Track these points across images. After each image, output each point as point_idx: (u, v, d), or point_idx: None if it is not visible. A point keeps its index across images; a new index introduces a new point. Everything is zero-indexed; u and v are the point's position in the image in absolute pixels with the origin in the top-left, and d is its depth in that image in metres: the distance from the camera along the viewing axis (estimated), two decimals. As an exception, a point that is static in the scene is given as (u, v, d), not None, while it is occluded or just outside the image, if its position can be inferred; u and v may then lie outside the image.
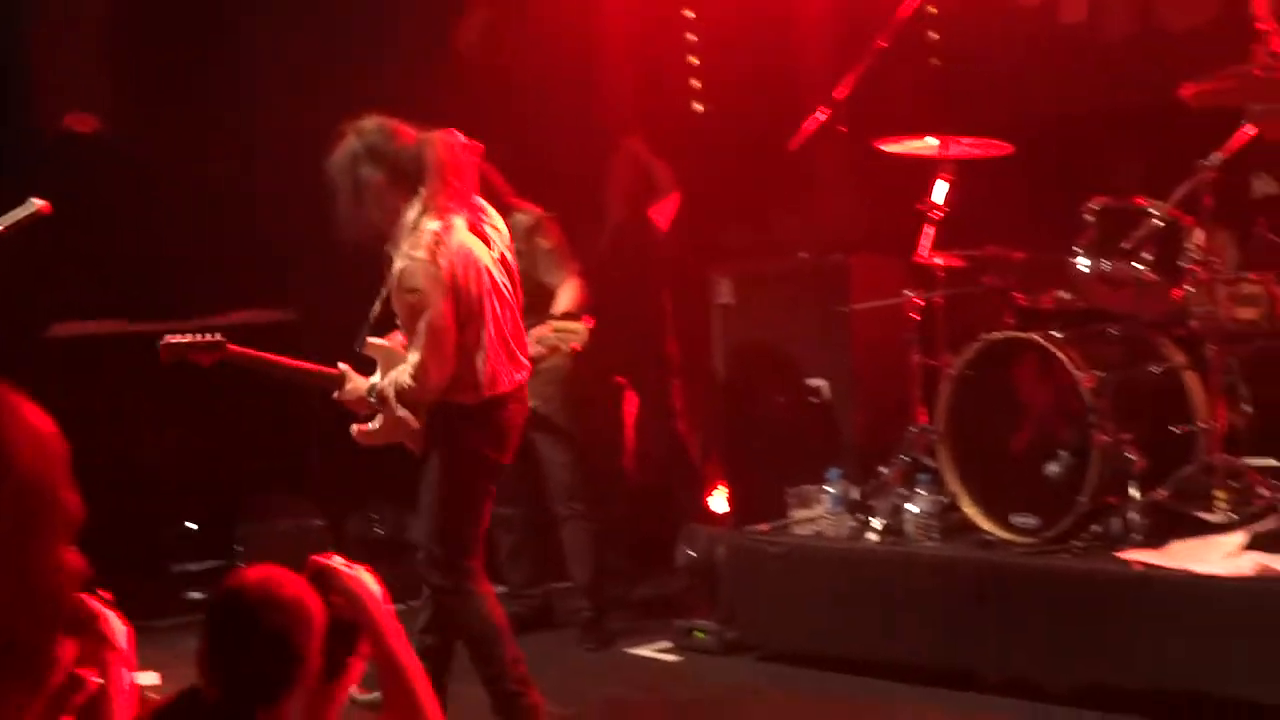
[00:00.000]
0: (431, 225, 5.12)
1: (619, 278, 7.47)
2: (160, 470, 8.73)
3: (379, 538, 8.20)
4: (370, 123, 5.28)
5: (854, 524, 6.40)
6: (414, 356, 5.15)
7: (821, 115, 6.56)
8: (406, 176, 5.19)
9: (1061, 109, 7.16)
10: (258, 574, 2.95)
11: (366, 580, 3.13)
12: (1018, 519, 5.92)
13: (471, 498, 5.32)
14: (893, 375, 6.72)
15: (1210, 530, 5.58)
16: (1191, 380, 5.99)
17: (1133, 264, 5.91)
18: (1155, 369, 6.05)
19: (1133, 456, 5.73)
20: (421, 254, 5.08)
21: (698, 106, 8.33)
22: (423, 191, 5.16)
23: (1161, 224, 5.78)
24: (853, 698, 5.93)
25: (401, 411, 5.22)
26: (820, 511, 6.54)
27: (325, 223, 8.42)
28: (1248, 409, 5.94)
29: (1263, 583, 5.09)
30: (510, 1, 8.34)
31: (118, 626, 2.92)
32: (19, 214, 5.42)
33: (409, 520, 8.23)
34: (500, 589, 7.76)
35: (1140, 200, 5.91)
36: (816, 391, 7.15)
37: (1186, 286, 5.88)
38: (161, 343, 5.55)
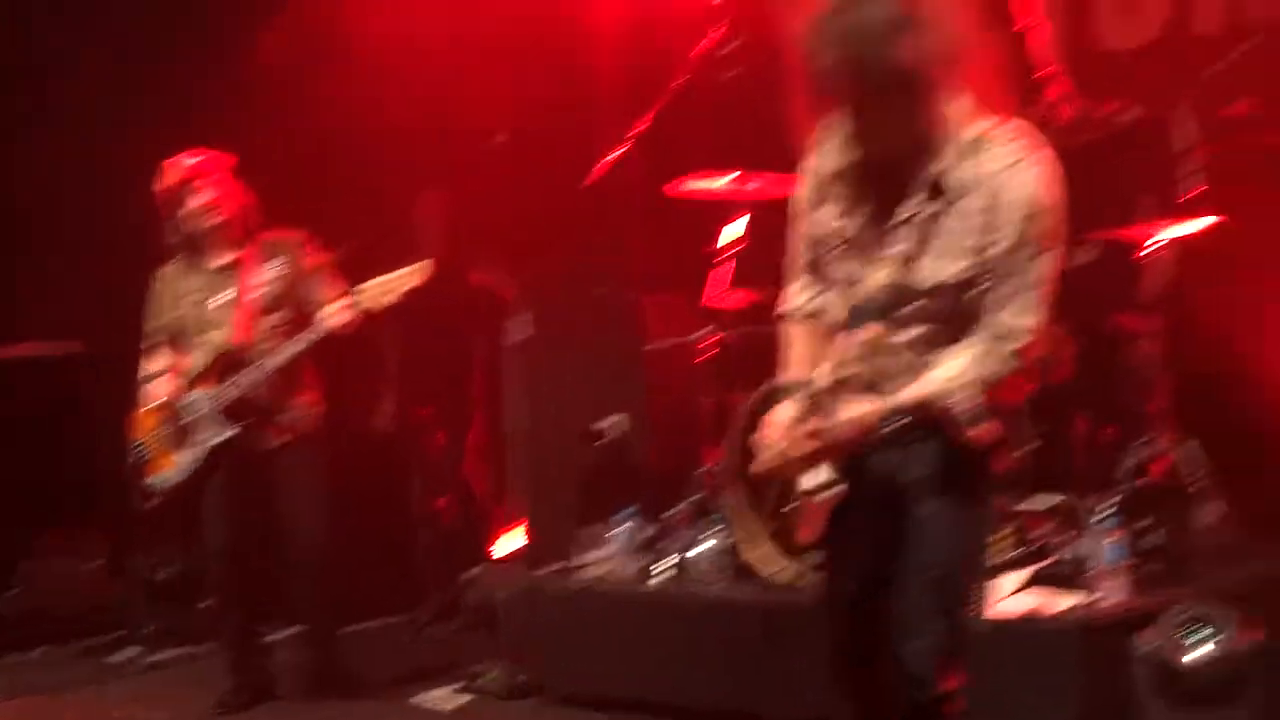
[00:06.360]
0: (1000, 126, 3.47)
1: (434, 317, 7.37)
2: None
3: (161, 581, 7.93)
4: None
5: (642, 566, 6.32)
6: (1017, 319, 3.37)
7: (618, 151, 6.51)
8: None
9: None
10: None
11: None
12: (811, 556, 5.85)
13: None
14: (687, 415, 6.67)
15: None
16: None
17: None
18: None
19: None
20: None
21: (498, 137, 8.22)
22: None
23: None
24: (639, 741, 5.84)
25: (980, 426, 3.37)
26: (609, 553, 6.46)
27: (114, 250, 8.28)
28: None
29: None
30: (314, 11, 8.17)
31: None
32: None
33: (194, 562, 7.96)
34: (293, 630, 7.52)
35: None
36: (612, 431, 7.06)
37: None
38: None
